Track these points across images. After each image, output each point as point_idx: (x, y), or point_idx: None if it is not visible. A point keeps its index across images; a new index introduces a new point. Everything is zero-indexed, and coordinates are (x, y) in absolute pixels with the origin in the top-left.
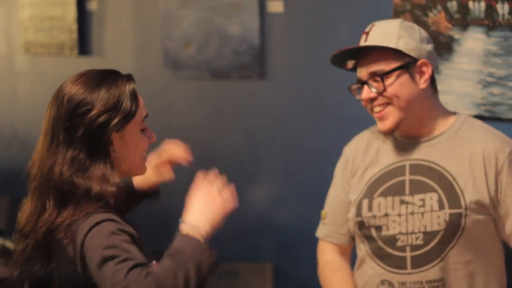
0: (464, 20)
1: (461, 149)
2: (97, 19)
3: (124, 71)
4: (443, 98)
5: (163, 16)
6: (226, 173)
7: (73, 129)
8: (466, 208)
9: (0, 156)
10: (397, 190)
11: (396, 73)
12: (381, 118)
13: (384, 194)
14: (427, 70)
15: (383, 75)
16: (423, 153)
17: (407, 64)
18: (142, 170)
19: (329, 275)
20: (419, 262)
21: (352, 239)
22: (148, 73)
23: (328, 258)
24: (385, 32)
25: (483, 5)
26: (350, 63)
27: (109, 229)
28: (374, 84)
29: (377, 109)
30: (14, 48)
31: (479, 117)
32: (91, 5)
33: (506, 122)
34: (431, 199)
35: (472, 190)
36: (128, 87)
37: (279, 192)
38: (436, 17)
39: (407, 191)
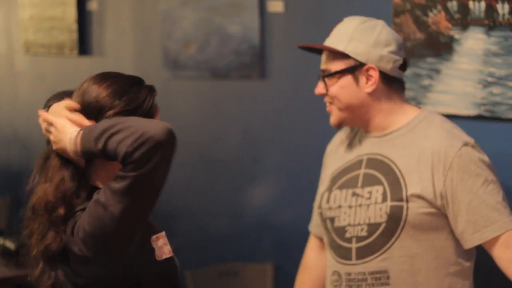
0: (464, 20)
1: (414, 144)
2: (97, 19)
3: (124, 71)
4: (443, 98)
5: (163, 16)
6: (226, 173)
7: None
8: (407, 201)
9: (0, 156)
10: (351, 183)
11: (339, 75)
12: (330, 113)
13: (341, 187)
14: (374, 75)
15: (325, 76)
16: (378, 148)
17: (352, 67)
18: None
19: (299, 271)
20: (362, 253)
21: None
22: (148, 73)
23: (306, 254)
24: (340, 33)
25: (483, 5)
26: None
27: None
28: (321, 82)
29: (327, 104)
30: (14, 48)
31: (479, 117)
32: (91, 5)
33: (506, 122)
34: (377, 191)
35: (416, 185)
36: (148, 102)
37: (279, 192)
38: (436, 17)
39: (359, 184)
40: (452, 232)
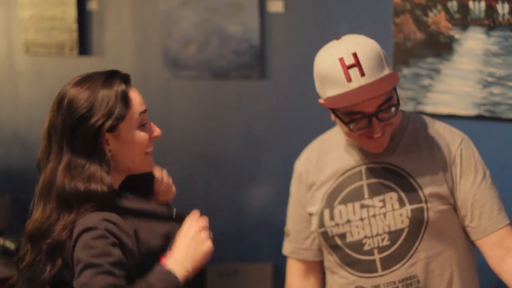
0: (464, 20)
1: (413, 147)
2: (97, 19)
3: (124, 71)
4: (443, 98)
5: (163, 16)
6: (226, 173)
7: (70, 133)
8: (426, 202)
9: (0, 156)
10: (356, 196)
11: (394, 96)
12: (381, 141)
13: (344, 201)
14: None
15: (392, 105)
16: (377, 156)
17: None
18: (145, 167)
19: None
20: (388, 262)
21: (318, 253)
22: (148, 73)
23: (291, 282)
24: (375, 62)
25: (483, 5)
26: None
27: (95, 233)
28: (385, 114)
29: (379, 134)
30: (14, 48)
31: (479, 117)
32: (91, 5)
33: (506, 122)
34: (391, 198)
35: (430, 184)
36: (117, 89)
37: (279, 192)
38: (436, 17)
39: (366, 195)
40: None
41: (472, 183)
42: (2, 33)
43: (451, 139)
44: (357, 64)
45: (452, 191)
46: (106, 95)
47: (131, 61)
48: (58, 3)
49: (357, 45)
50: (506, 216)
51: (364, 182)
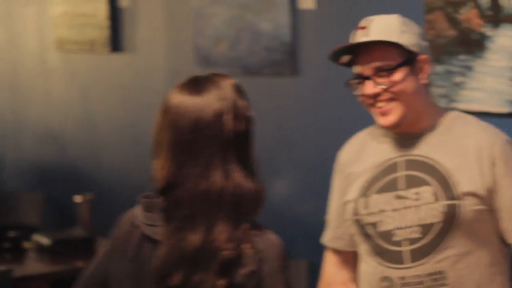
0: (496, 17)
1: (454, 143)
2: (128, 16)
3: (156, 68)
4: (475, 95)
5: (194, 13)
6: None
7: (223, 139)
8: (460, 199)
9: (34, 154)
10: (392, 186)
11: (402, 68)
12: (385, 113)
13: (379, 191)
14: (428, 66)
15: (391, 70)
16: (417, 149)
17: (410, 59)
18: None
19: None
20: (417, 255)
21: (352, 242)
22: (180, 70)
23: (326, 270)
24: (386, 28)
25: None
26: (345, 58)
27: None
28: (380, 79)
29: (381, 104)
30: (46, 45)
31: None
32: (123, 2)
33: None
34: (426, 192)
35: (467, 182)
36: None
37: (312, 189)
38: (468, 14)
39: (401, 186)
40: (497, 228)
41: None
42: (34, 30)
43: (493, 139)
44: (367, 27)
45: (490, 192)
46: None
47: (162, 58)
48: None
49: (378, 15)
50: None
51: (401, 174)
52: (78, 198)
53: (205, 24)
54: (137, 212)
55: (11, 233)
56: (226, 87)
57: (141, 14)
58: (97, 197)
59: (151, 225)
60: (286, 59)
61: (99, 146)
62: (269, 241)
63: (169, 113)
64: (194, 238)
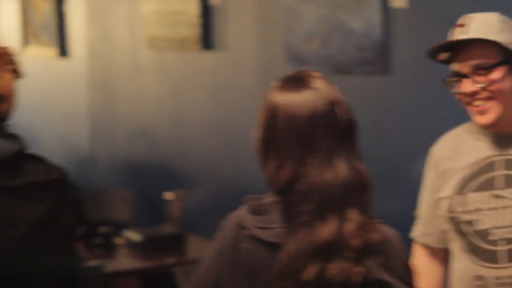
0: None
1: None
2: (219, 13)
3: (247, 66)
4: None
5: (285, 11)
6: None
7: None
8: None
9: (125, 151)
10: (489, 185)
11: (501, 67)
12: (482, 112)
13: (477, 189)
14: None
15: (489, 68)
16: None
17: (509, 58)
18: None
19: None
20: None
21: (442, 239)
22: (271, 68)
23: (417, 261)
24: (485, 26)
25: None
26: (443, 56)
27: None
28: (478, 78)
29: (479, 102)
30: (138, 43)
31: None
32: (214, 0)
33: None
34: None
35: None
36: None
37: (403, 188)
38: None
39: (500, 185)
40: None
41: None
42: (126, 28)
43: None
44: (466, 24)
45: None
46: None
47: (253, 56)
48: None
49: (477, 13)
50: None
51: (499, 173)
52: (168, 195)
53: (296, 22)
54: (244, 215)
55: (103, 229)
56: (324, 82)
57: (232, 12)
58: (187, 194)
59: (264, 228)
60: (377, 58)
61: (189, 143)
62: (388, 229)
63: (279, 112)
64: (326, 229)
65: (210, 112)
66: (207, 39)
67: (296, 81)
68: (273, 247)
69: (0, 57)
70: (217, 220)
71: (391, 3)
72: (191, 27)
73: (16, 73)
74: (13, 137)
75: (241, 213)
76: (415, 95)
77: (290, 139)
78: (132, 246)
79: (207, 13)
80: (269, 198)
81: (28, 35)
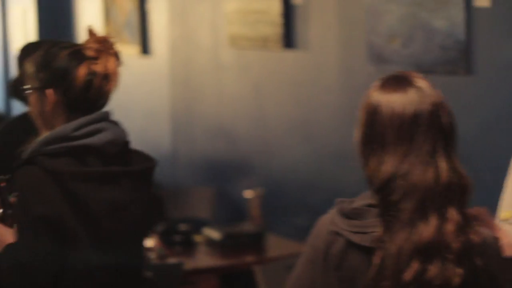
0: None
1: None
2: (301, 13)
3: (328, 65)
4: None
5: (367, 10)
6: None
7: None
8: None
9: (206, 149)
10: None
11: None
12: None
13: None
14: None
15: None
16: None
17: None
18: None
19: None
20: None
21: None
22: (353, 67)
23: None
24: None
25: None
26: None
27: None
28: None
29: None
30: (220, 41)
31: None
32: None
33: None
34: None
35: None
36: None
37: (482, 189)
38: None
39: None
40: None
41: None
42: (208, 26)
43: None
44: None
45: None
46: None
47: (335, 56)
48: None
49: None
50: None
51: None
52: (248, 193)
53: (378, 21)
54: (336, 219)
55: (183, 227)
56: (427, 82)
57: (314, 11)
58: (267, 192)
59: (360, 233)
60: (461, 58)
61: (270, 142)
62: (486, 230)
63: (382, 109)
64: (428, 229)
65: (291, 111)
66: (288, 38)
67: (399, 80)
68: (368, 251)
69: (104, 42)
70: (297, 219)
71: (474, 2)
72: (273, 26)
73: (117, 57)
74: (117, 124)
75: (333, 218)
76: (498, 95)
77: (393, 136)
78: (212, 244)
79: (289, 12)
80: (361, 201)
81: (110, 33)
